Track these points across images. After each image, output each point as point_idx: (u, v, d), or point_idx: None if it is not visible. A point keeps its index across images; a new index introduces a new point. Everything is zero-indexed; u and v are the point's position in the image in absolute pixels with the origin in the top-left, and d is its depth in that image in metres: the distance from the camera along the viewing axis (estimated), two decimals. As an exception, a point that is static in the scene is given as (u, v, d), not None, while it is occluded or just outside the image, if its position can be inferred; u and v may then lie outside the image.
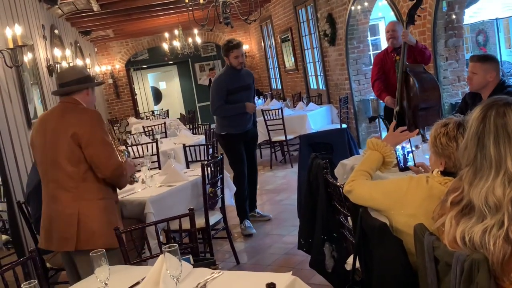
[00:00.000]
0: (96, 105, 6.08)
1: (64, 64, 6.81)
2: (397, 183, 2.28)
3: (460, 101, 4.42)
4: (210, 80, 13.74)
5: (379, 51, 5.67)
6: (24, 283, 1.86)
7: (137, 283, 2.23)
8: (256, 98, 7.42)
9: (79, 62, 7.26)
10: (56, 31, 7.71)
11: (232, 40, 5.26)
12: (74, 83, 3.00)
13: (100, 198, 2.95)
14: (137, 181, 4.10)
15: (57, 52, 6.81)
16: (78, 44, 10.54)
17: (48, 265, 3.74)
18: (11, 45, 4.39)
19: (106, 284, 2.06)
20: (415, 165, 2.88)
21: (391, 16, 8.11)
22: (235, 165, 5.35)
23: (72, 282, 3.02)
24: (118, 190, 3.22)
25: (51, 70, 6.62)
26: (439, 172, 2.16)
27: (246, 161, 5.37)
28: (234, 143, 5.32)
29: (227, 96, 5.19)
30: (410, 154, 2.94)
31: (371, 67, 5.57)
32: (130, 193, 4.03)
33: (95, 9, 8.31)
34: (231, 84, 5.19)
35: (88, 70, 3.41)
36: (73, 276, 3.08)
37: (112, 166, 2.93)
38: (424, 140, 3.62)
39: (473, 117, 1.74)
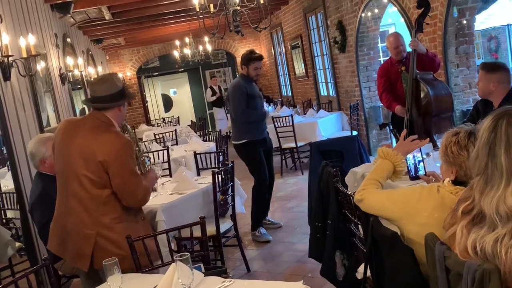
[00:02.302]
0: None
1: (77, 72, 6.87)
2: (408, 192, 2.28)
3: (471, 108, 4.41)
4: (212, 89, 13.79)
5: (384, 62, 5.63)
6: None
7: (149, 291, 2.24)
8: (266, 104, 7.51)
9: (114, 72, 7.11)
10: (68, 40, 7.80)
11: (254, 51, 5.47)
12: (107, 100, 2.92)
13: (120, 221, 2.92)
14: (156, 190, 4.13)
15: (70, 60, 6.88)
16: (90, 52, 10.64)
17: (60, 272, 3.76)
18: (24, 55, 4.45)
19: (118, 292, 2.08)
20: (425, 174, 2.87)
21: (401, 23, 8.11)
22: (258, 173, 5.36)
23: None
24: None
25: (63, 78, 6.69)
26: (450, 182, 2.16)
27: (267, 169, 5.42)
28: (256, 150, 5.36)
29: (247, 101, 5.30)
30: (421, 163, 2.94)
31: (377, 78, 5.53)
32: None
33: (107, 17, 8.40)
34: (250, 90, 5.33)
35: (120, 79, 3.29)
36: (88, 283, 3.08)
37: (138, 197, 2.94)
38: (436, 147, 3.61)
39: (484, 126, 1.74)
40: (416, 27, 4.68)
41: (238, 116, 5.34)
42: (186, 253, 1.99)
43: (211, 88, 13.90)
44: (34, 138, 3.85)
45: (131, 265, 2.75)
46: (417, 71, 4.64)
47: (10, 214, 4.54)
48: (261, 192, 5.37)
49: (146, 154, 4.08)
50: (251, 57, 5.31)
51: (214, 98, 13.71)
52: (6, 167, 4.59)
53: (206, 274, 2.34)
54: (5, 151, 4.30)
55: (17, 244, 4.26)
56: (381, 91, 5.28)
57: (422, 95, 4.60)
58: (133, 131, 3.61)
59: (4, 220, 4.51)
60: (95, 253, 2.81)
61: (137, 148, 3.15)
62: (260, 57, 5.39)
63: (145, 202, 3.06)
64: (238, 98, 5.29)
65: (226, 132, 11.57)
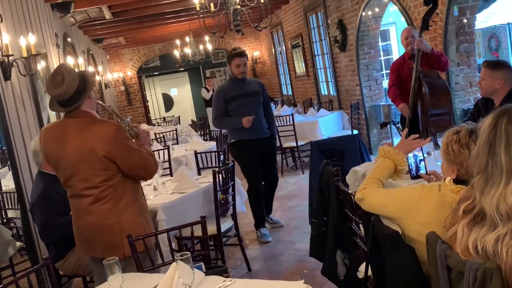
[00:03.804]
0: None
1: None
2: (409, 191, 2.27)
3: (472, 107, 4.40)
4: (206, 89, 13.77)
5: (390, 57, 5.65)
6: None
7: (150, 290, 2.24)
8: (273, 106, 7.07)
9: (69, 60, 6.88)
10: (69, 39, 7.80)
11: (237, 48, 5.24)
12: (75, 98, 2.81)
13: (134, 201, 2.96)
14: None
15: (70, 60, 6.88)
16: (91, 52, 10.64)
17: (60, 272, 3.76)
18: (25, 54, 4.45)
19: (119, 291, 2.08)
20: (427, 173, 2.87)
21: (402, 22, 8.11)
22: (247, 174, 5.26)
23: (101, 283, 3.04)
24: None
25: (64, 78, 6.68)
26: (452, 180, 2.16)
27: (260, 171, 5.26)
28: (244, 150, 5.22)
29: (227, 104, 5.13)
30: (422, 162, 2.93)
31: (383, 72, 5.55)
32: (142, 200, 4.06)
33: (107, 17, 8.40)
34: (230, 92, 5.13)
35: (70, 67, 3.16)
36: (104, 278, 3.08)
37: (150, 167, 2.98)
38: (437, 146, 3.61)
39: (484, 125, 1.73)
40: (422, 25, 4.67)
41: (214, 123, 5.34)
42: (187, 252, 1.98)
43: (206, 88, 13.92)
44: (37, 136, 3.85)
45: (150, 242, 2.89)
46: (421, 69, 4.64)
47: (10, 213, 4.54)
48: (252, 194, 5.24)
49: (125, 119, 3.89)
50: (231, 54, 5.11)
51: (208, 98, 13.80)
52: (6, 167, 4.59)
53: (207, 274, 2.34)
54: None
55: (18, 243, 4.26)
56: (390, 85, 5.30)
57: (422, 94, 4.60)
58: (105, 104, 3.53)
59: (4, 220, 4.51)
60: (124, 239, 2.82)
61: (117, 118, 3.15)
62: (241, 53, 5.10)
63: (156, 166, 3.10)
64: (215, 103, 5.22)
65: (226, 131, 11.57)
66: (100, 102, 3.25)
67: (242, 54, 5.12)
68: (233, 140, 5.30)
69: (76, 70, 3.01)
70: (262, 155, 5.28)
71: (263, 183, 5.36)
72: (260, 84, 5.45)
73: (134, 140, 3.04)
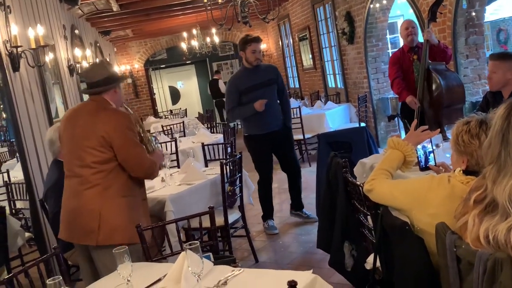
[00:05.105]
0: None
1: (85, 64, 6.89)
2: (418, 182, 2.26)
3: (480, 100, 4.37)
4: (215, 81, 13.91)
5: (395, 50, 5.60)
6: (49, 279, 1.88)
7: (159, 280, 2.25)
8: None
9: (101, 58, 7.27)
10: (76, 31, 7.80)
11: (250, 34, 5.13)
12: (102, 83, 3.03)
13: (123, 195, 2.97)
14: (165, 167, 4.19)
15: (78, 52, 6.89)
16: (98, 44, 10.65)
17: (69, 262, 3.78)
18: (33, 46, 4.46)
19: (128, 280, 2.09)
20: (435, 165, 2.86)
21: (410, 14, 8.05)
22: (258, 168, 5.26)
23: (86, 278, 3.08)
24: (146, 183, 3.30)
25: (72, 70, 6.70)
26: (461, 171, 2.14)
27: (270, 165, 5.24)
28: (256, 144, 5.16)
29: (241, 97, 5.01)
30: (431, 154, 2.92)
31: (388, 66, 5.49)
32: (150, 191, 4.07)
33: (114, 9, 8.40)
34: (244, 84, 5.00)
35: (111, 64, 3.37)
36: (88, 271, 3.11)
37: (144, 166, 3.02)
38: (445, 138, 3.59)
39: (497, 114, 1.72)
40: (430, 16, 4.64)
41: (228, 116, 5.28)
42: (196, 241, 1.99)
43: (216, 81, 14.12)
44: (53, 126, 3.90)
45: (132, 238, 2.82)
46: (430, 61, 4.61)
47: (19, 204, 4.57)
48: (262, 187, 5.24)
49: (151, 134, 4.09)
50: (246, 40, 4.96)
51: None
52: (15, 158, 4.61)
53: (215, 263, 2.35)
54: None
55: (27, 234, 4.29)
56: (394, 77, 5.21)
57: (434, 86, 4.56)
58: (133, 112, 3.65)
59: (13, 211, 4.54)
60: (101, 226, 2.87)
61: (140, 129, 3.22)
62: (257, 39, 4.97)
63: (153, 174, 3.14)
64: (228, 95, 5.11)
65: (234, 124, 11.59)
66: (127, 107, 3.35)
67: (258, 39, 5.00)
68: (246, 134, 5.27)
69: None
70: (276, 147, 5.22)
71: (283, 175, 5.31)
72: (274, 70, 5.30)
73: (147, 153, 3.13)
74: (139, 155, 2.99)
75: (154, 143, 3.35)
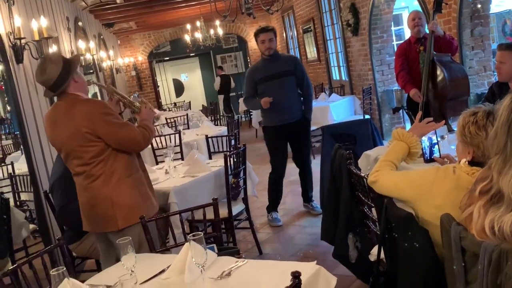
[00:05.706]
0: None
1: (88, 56, 6.87)
2: (423, 173, 2.24)
3: (486, 92, 4.34)
4: (227, 77, 13.97)
5: (402, 41, 5.55)
6: (53, 270, 1.89)
7: (163, 270, 2.25)
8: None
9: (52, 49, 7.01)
10: (80, 24, 7.79)
11: (263, 25, 5.21)
12: (59, 82, 2.93)
13: (128, 175, 3.03)
14: (159, 118, 4.13)
15: (81, 44, 6.88)
16: (102, 36, 10.64)
17: (74, 254, 3.79)
18: (37, 37, 4.46)
19: (132, 271, 2.09)
20: (440, 156, 2.84)
21: (415, 6, 8.00)
22: (271, 159, 5.30)
23: (106, 262, 3.10)
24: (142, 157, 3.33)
25: (75, 62, 6.69)
26: (467, 162, 2.13)
27: (284, 157, 5.26)
28: (271, 136, 5.24)
29: (256, 86, 5.10)
30: (436, 146, 2.90)
31: (394, 58, 5.46)
32: (154, 183, 4.06)
33: (118, 1, 8.38)
34: (258, 74, 5.05)
35: (56, 54, 3.32)
36: (109, 256, 3.17)
37: (139, 141, 3.03)
38: (450, 130, 3.57)
39: (503, 105, 1.70)
40: (435, 7, 4.60)
41: (244, 104, 5.41)
42: (200, 232, 1.99)
43: (220, 78, 14.28)
44: None
45: (148, 213, 2.95)
46: (434, 53, 4.57)
47: (24, 196, 4.59)
48: (272, 178, 5.29)
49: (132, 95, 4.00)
50: (257, 30, 5.06)
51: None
52: (19, 151, 4.63)
53: (219, 255, 2.35)
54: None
55: (31, 226, 4.30)
56: (399, 70, 5.17)
57: (438, 78, 4.53)
58: (106, 83, 3.64)
59: (18, 203, 4.56)
60: (117, 212, 2.96)
61: (117, 96, 3.25)
62: (265, 29, 4.98)
63: (149, 140, 3.15)
64: (245, 84, 5.24)
65: (238, 116, 11.58)
66: (98, 83, 3.34)
67: (266, 29, 5.01)
68: (263, 125, 5.36)
69: (63, 56, 3.14)
70: (292, 139, 5.23)
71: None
72: (293, 61, 5.28)
73: (135, 115, 3.18)
74: (129, 134, 2.99)
75: (138, 101, 3.30)
